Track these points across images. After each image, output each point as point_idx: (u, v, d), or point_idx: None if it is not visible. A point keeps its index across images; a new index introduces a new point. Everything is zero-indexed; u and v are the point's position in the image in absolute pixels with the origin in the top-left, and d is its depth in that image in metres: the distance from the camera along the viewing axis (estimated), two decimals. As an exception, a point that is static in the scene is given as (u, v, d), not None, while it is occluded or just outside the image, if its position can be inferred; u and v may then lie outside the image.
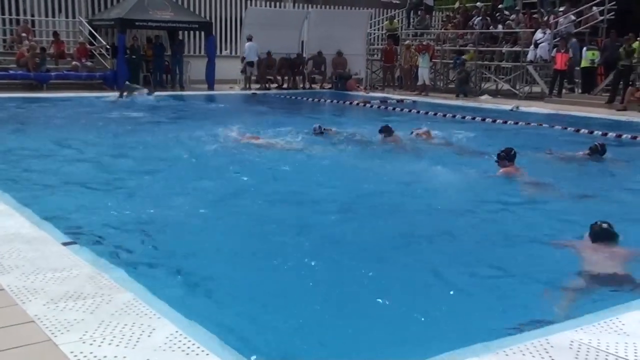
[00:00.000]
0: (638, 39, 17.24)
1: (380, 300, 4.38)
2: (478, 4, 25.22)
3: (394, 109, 17.20)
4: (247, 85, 22.25)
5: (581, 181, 8.61)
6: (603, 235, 5.09)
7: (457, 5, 27.11)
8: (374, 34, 27.30)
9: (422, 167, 9.08)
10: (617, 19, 21.40)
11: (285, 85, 22.91)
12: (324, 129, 11.50)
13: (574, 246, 5.19)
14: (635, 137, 11.79)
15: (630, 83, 17.02)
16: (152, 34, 22.38)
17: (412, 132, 11.50)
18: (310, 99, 19.58)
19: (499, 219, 6.68)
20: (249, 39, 21.94)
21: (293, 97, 20.27)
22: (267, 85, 22.57)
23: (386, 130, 11.00)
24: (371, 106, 17.66)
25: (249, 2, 26.22)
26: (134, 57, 20.64)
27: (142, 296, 3.91)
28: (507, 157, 8.31)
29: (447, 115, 15.49)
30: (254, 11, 24.82)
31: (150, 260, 5.09)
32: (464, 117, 15.12)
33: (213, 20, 24.83)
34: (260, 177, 8.22)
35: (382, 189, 7.76)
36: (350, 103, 18.42)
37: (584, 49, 18.55)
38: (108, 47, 21.18)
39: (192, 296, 4.41)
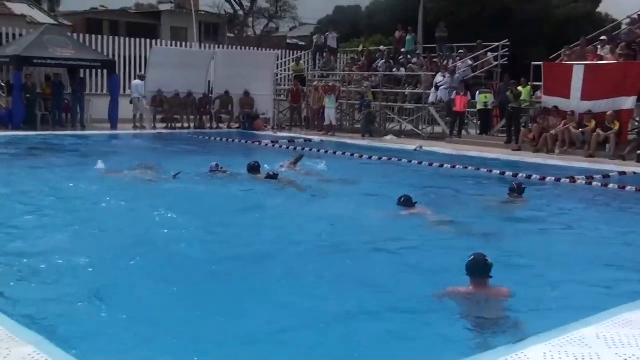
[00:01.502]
0: (529, 83, 18.49)
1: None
2: (381, 47, 26.33)
3: (302, 148, 17.50)
4: (153, 125, 22.10)
5: (490, 220, 8.98)
6: (483, 272, 5.17)
7: (361, 48, 28.10)
8: (281, 74, 27.78)
9: (320, 205, 9.43)
10: (510, 64, 22.94)
11: (192, 125, 22.84)
12: (220, 168, 11.63)
13: (459, 291, 5.28)
14: (530, 176, 12.58)
15: (523, 125, 18.17)
16: (51, 71, 21.77)
17: (281, 166, 12.17)
18: (216, 139, 19.57)
19: (401, 258, 6.87)
20: (140, 78, 22.23)
21: (199, 137, 20.20)
22: (173, 125, 22.43)
23: (252, 169, 11.20)
24: (280, 146, 17.88)
25: (154, 41, 26.09)
26: (28, 95, 19.89)
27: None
28: (406, 202, 8.79)
29: (355, 155, 15.94)
30: (160, 50, 24.73)
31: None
32: (370, 157, 15.60)
33: (117, 59, 24.50)
34: (130, 215, 8.42)
35: (267, 228, 7.96)
36: (259, 143, 18.56)
37: (477, 92, 19.72)
38: (3, 84, 20.41)
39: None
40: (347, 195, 10.32)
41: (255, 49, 31.02)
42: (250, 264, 6.39)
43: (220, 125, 23.65)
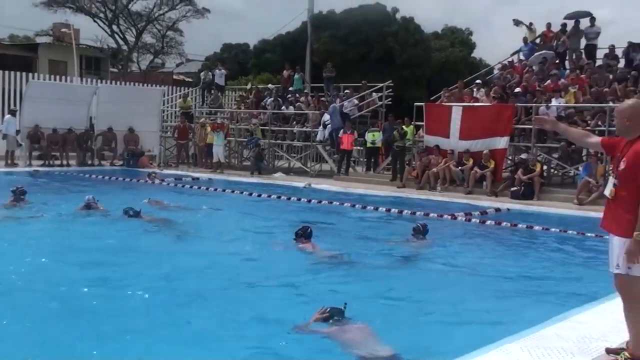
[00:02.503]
0: (412, 122, 19.40)
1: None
2: (270, 85, 26.75)
3: (191, 186, 17.33)
4: (29, 162, 21.14)
5: (378, 256, 9.18)
6: (339, 315, 5.44)
7: (249, 86, 28.42)
8: (168, 110, 27.49)
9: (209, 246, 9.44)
10: (394, 104, 24.01)
11: (72, 162, 22.01)
12: (95, 202, 11.42)
13: (321, 330, 5.42)
14: (414, 213, 13.15)
15: (407, 163, 18.99)
16: None
17: (147, 200, 12.44)
18: (97, 176, 18.93)
19: (287, 291, 7.00)
20: (12, 113, 21.60)
21: (79, 175, 19.44)
22: (51, 162, 21.53)
23: (126, 212, 11.06)
24: (168, 184, 17.61)
25: (31, 74, 25.08)
26: None
27: None
28: (303, 234, 9.00)
29: (244, 192, 15.98)
30: (37, 84, 23.81)
31: None
32: (259, 195, 15.69)
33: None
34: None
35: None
36: (145, 181, 18.16)
37: (366, 131, 20.45)
38: None
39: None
40: (231, 231, 10.46)
41: (140, 84, 30.49)
42: (113, 302, 6.31)
43: (103, 162, 22.98)
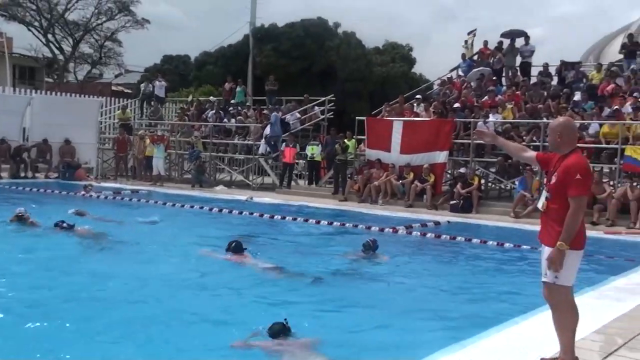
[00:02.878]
0: (354, 136, 19.60)
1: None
2: (211, 98, 26.56)
3: (130, 199, 16.99)
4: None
5: (318, 268, 9.22)
6: (281, 331, 5.49)
7: (190, 98, 28.15)
8: (106, 122, 26.95)
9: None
10: (336, 117, 24.21)
11: (3, 175, 21.26)
12: (25, 215, 11.10)
13: (260, 346, 5.43)
14: (356, 226, 13.26)
15: (349, 176, 19.15)
16: None
17: (73, 211, 12.47)
18: (30, 189, 18.32)
19: (221, 302, 7.01)
20: None
21: (11, 187, 18.78)
22: (-18, 174, 20.76)
23: (58, 225, 10.85)
24: (105, 197, 17.21)
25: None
26: None
27: None
28: (234, 248, 9.10)
29: (185, 206, 15.78)
30: (-34, 93, 22.96)
31: None
32: (201, 207, 15.52)
33: None
34: None
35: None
36: (82, 194, 17.70)
37: (306, 144, 20.57)
38: None
39: None
40: (166, 245, 10.38)
41: (77, 95, 29.79)
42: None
43: (37, 175, 22.29)
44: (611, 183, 15.62)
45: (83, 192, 17.61)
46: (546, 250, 4.69)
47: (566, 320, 4.71)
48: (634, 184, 14.79)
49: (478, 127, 16.71)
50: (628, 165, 14.80)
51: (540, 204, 4.84)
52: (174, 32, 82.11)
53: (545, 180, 5.09)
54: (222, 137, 22.79)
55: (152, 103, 26.06)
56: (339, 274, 8.90)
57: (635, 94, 16.74)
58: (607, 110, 16.28)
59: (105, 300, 6.82)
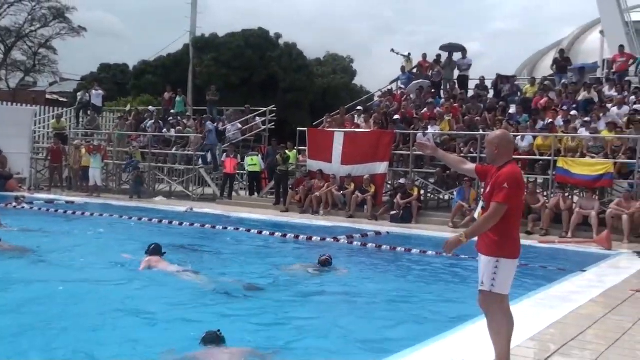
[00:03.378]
0: (295, 147, 19.63)
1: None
2: (150, 107, 26.15)
3: (65, 211, 16.52)
4: None
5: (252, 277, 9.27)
6: (213, 340, 5.50)
7: (128, 107, 27.64)
8: (40, 131, 26.18)
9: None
10: (277, 128, 24.22)
11: None
12: None
13: (191, 356, 5.46)
14: (297, 237, 13.26)
15: (291, 187, 19.15)
16: None
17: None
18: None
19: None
20: None
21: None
22: None
23: None
24: (39, 209, 16.68)
25: None
26: None
27: None
28: (151, 251, 9.22)
29: (123, 217, 15.46)
30: None
31: None
32: (140, 219, 15.24)
33: None
34: None
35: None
36: (14, 206, 17.11)
37: (246, 155, 20.50)
38: None
39: None
40: (100, 256, 10.27)
41: (9, 103, 28.83)
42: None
43: (-34, 185, 21.42)
44: (545, 193, 16.13)
45: (14, 204, 17.03)
46: (483, 260, 4.81)
47: (501, 327, 4.83)
48: (566, 194, 15.32)
49: (418, 140, 17.03)
50: (560, 177, 15.32)
51: (477, 213, 5.00)
52: (111, 40, 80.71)
53: (482, 190, 5.23)
54: (161, 147, 22.46)
55: (89, 112, 25.46)
56: (277, 284, 8.89)
57: (564, 107, 17.39)
58: (540, 123, 16.83)
59: (29, 313, 6.70)
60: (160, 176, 23.04)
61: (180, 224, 14.76)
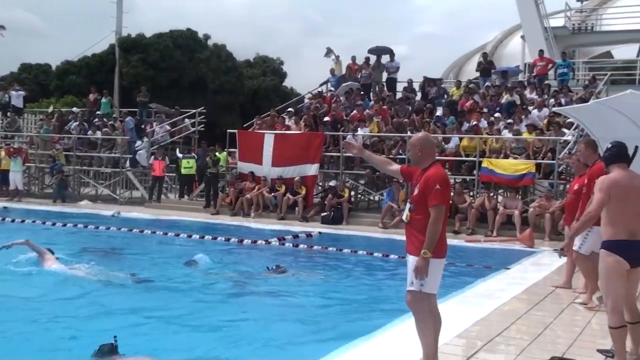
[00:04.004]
0: (225, 149, 19.47)
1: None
2: (74, 109, 25.36)
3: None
4: None
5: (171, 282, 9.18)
6: (110, 352, 5.37)
7: (51, 109, 26.72)
8: (-45, 134, 24.98)
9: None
10: (207, 130, 23.95)
11: None
12: None
13: None
14: (228, 239, 13.15)
15: (221, 189, 18.98)
16: None
17: None
18: None
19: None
20: None
21: None
22: None
23: None
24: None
25: None
26: None
27: None
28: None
29: (46, 222, 14.94)
30: None
31: None
32: (65, 225, 14.76)
33: None
34: None
35: None
36: None
37: (177, 157, 20.15)
38: None
39: None
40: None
41: None
42: None
43: None
44: (471, 193, 16.58)
45: None
46: (412, 260, 4.88)
47: (428, 326, 4.92)
48: (491, 194, 15.79)
49: (347, 139, 17.24)
50: (485, 176, 15.79)
51: (405, 215, 5.04)
52: (32, 39, 77.74)
53: (409, 192, 5.28)
54: (86, 150, 21.82)
55: (9, 114, 24.49)
56: (203, 287, 8.78)
57: (486, 110, 17.93)
58: (466, 125, 17.31)
59: None
60: (85, 179, 22.38)
61: (107, 228, 14.40)
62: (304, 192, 17.35)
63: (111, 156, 21.23)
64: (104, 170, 21.73)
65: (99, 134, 22.12)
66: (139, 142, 20.61)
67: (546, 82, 20.15)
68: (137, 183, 21.12)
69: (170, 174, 21.91)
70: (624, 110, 10.48)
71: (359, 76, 22.47)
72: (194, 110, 22.97)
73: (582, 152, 8.08)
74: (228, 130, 19.62)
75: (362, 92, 21.42)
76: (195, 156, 20.18)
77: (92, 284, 8.46)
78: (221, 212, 17.87)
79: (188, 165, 19.90)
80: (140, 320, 6.95)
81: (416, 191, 4.94)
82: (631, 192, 5.17)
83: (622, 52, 34.88)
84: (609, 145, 5.43)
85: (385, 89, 21.74)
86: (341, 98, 21.19)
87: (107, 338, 5.39)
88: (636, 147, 5.46)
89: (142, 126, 21.78)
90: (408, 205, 5.03)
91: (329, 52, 24.27)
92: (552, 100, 18.12)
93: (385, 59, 22.64)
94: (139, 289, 8.42)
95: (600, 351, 5.65)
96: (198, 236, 13.51)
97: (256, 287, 8.98)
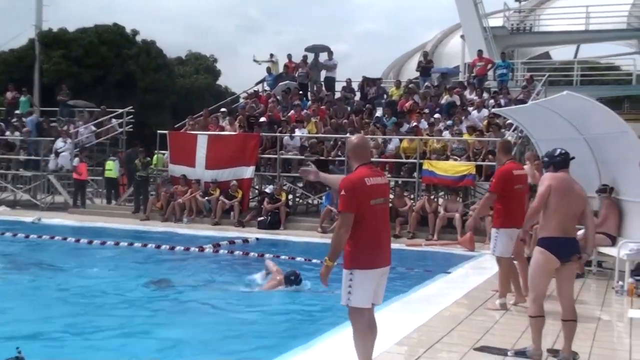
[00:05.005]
0: (156, 151, 19.15)
1: None
2: (-10, 108, 24.52)
3: None
4: None
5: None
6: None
7: (-37, 107, 25.74)
8: None
9: None
10: (136, 130, 23.53)
11: None
12: None
13: None
14: (159, 247, 12.94)
15: (151, 193, 18.67)
16: None
17: None
18: None
19: None
20: None
21: None
22: None
23: None
24: None
25: None
26: None
27: None
28: None
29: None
30: None
31: None
32: (-22, 233, 14.24)
33: None
34: None
35: None
36: None
37: (104, 160, 19.73)
38: None
39: None
40: None
41: None
42: None
43: None
44: (411, 196, 16.84)
45: None
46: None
47: (362, 338, 4.93)
48: (432, 197, 16.08)
49: (284, 142, 17.31)
50: (426, 178, 16.07)
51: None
52: (-58, 32, 74.52)
53: None
54: (3, 152, 21.07)
55: None
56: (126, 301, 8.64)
57: (426, 110, 18.27)
58: (406, 126, 17.58)
59: None
60: (2, 184, 21.62)
61: (27, 236, 13.96)
62: (240, 195, 17.26)
63: (31, 158, 20.59)
64: (23, 173, 21.05)
65: (17, 135, 21.43)
66: (61, 144, 20.04)
67: (486, 82, 20.67)
68: (59, 187, 20.53)
69: (97, 177, 21.43)
70: (560, 112, 10.88)
71: (297, 75, 22.52)
72: (121, 110, 22.53)
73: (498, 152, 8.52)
74: (158, 131, 19.31)
75: (300, 92, 21.48)
76: (115, 158, 19.72)
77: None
78: (151, 218, 17.59)
79: (108, 168, 19.49)
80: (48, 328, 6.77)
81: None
82: (571, 194, 5.77)
83: (560, 53, 36.22)
84: (558, 152, 5.99)
85: (323, 88, 21.86)
86: (278, 97, 21.18)
87: (10, 351, 5.18)
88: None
89: (65, 127, 21.20)
90: None
91: (257, 62, 24.40)
92: (491, 101, 18.60)
93: (323, 57, 22.76)
94: (58, 299, 8.20)
95: (549, 350, 5.98)
96: (126, 243, 13.24)
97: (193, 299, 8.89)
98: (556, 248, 5.68)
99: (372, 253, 4.79)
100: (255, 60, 24.46)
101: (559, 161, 5.94)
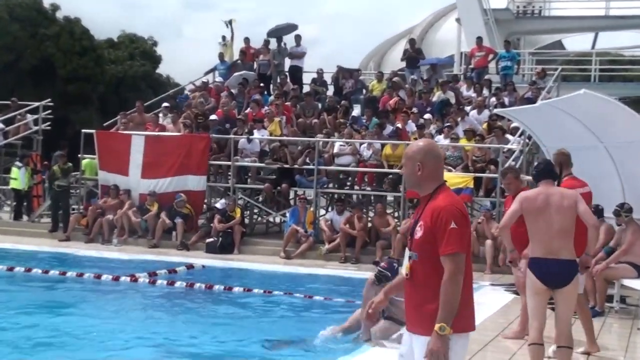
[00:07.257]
0: (80, 155, 18.84)
1: None
2: None
3: None
4: None
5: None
6: None
7: None
8: None
9: None
10: (57, 129, 23.25)
11: None
12: None
13: None
14: (81, 274, 12.75)
15: (74, 208, 18.42)
16: None
17: None
18: None
19: None
20: None
21: None
22: None
23: None
24: None
25: None
26: None
27: None
28: None
29: None
30: None
31: None
32: None
33: None
34: None
35: None
36: None
37: (12, 166, 19.38)
38: None
39: None
40: None
41: None
42: None
43: None
44: (396, 214, 16.85)
45: None
46: (419, 342, 4.09)
47: None
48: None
49: (240, 146, 17.19)
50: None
51: (403, 268, 4.29)
52: None
53: (408, 232, 4.43)
54: None
55: None
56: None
57: (415, 110, 18.27)
58: (389, 128, 17.48)
59: None
60: None
61: None
62: (189, 212, 17.13)
63: None
64: None
65: None
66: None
67: (486, 76, 20.81)
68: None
69: (3, 187, 21.13)
70: (577, 114, 10.97)
71: (256, 64, 22.44)
72: (37, 103, 22.23)
73: (510, 182, 8.21)
74: (83, 130, 19.09)
75: (261, 85, 21.41)
76: (21, 165, 19.24)
77: None
78: (73, 238, 17.36)
79: (12, 177, 19.06)
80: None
81: (419, 232, 4.15)
82: (548, 210, 6.29)
83: (575, 43, 36.75)
84: (537, 163, 6.79)
85: (288, 80, 21.81)
86: (233, 91, 21.11)
87: None
88: None
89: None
90: (407, 254, 4.27)
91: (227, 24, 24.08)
92: (493, 100, 18.72)
93: (289, 43, 22.72)
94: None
95: None
96: (40, 270, 13.01)
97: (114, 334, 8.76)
98: (538, 269, 6.26)
99: (470, 309, 4.20)
100: (225, 22, 24.12)
101: (536, 173, 6.66)
